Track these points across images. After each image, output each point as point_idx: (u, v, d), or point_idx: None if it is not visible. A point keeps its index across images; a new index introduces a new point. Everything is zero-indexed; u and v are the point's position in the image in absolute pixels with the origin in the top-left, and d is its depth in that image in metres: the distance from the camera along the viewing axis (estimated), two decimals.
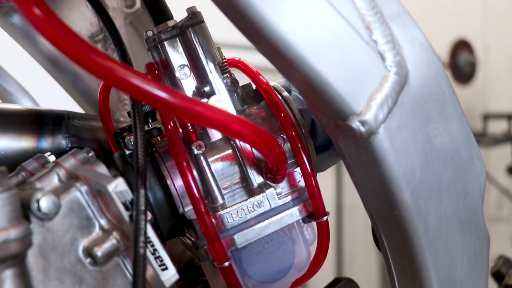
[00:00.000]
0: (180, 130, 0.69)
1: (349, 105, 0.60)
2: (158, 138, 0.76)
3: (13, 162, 0.71)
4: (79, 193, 0.60)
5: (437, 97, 0.66)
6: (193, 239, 0.70)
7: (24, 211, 0.56)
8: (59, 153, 0.76)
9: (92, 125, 0.85)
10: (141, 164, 0.60)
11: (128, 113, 0.82)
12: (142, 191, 0.59)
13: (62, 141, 0.81)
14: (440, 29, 4.10)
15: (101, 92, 0.76)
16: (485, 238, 0.71)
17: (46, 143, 0.80)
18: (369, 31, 0.62)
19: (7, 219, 0.53)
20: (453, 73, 4.30)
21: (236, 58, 0.77)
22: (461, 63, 4.29)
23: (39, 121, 0.81)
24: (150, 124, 0.76)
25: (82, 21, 0.94)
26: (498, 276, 1.36)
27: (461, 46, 4.31)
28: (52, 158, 0.69)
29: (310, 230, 0.73)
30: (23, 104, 1.06)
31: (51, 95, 1.10)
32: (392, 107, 0.61)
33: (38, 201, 0.57)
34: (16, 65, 1.13)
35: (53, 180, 0.62)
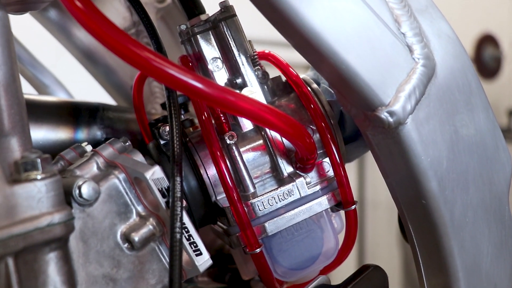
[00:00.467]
0: (213, 121, 0.71)
1: (378, 96, 0.62)
2: (190, 129, 0.78)
3: (51, 152, 0.73)
4: (117, 180, 0.63)
5: (464, 89, 0.67)
6: (225, 226, 0.72)
7: (66, 197, 0.59)
8: (94, 143, 0.79)
9: (125, 117, 0.88)
10: (176, 153, 0.63)
11: (161, 104, 0.84)
12: (178, 179, 0.61)
13: (97, 132, 0.84)
14: (465, 24, 4.07)
15: (135, 84, 0.79)
16: (511, 228, 0.72)
17: (82, 134, 0.83)
18: (397, 24, 0.64)
19: (51, 203, 0.56)
20: (478, 68, 4.27)
21: (267, 51, 0.79)
22: (486, 58, 4.26)
23: (75, 113, 0.84)
24: (183, 116, 0.78)
25: (115, 15, 0.96)
26: None
27: (486, 41, 4.28)
28: (89, 147, 0.71)
29: (338, 219, 0.75)
30: (59, 96, 1.10)
31: (85, 87, 1.13)
32: (419, 98, 0.63)
33: (79, 187, 0.59)
34: (52, 59, 1.16)
35: (92, 168, 0.64)
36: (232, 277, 0.89)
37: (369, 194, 3.71)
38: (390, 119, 0.62)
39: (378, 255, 4.08)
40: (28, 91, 0.95)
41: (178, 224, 0.59)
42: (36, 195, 0.55)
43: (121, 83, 1.03)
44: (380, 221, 3.88)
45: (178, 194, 0.60)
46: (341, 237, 0.76)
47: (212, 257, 0.74)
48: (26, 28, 1.01)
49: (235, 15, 0.72)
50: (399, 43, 0.63)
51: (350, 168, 3.49)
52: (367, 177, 3.69)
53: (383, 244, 4.03)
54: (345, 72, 0.61)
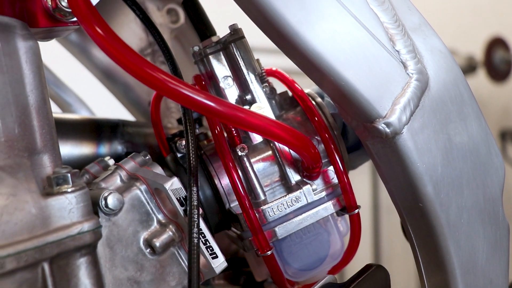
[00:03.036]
0: (225, 134, 0.77)
1: (375, 109, 0.68)
2: (205, 142, 0.84)
3: (75, 166, 0.79)
4: (139, 191, 0.69)
5: (456, 100, 0.72)
6: (238, 232, 0.78)
7: (93, 207, 0.65)
8: (116, 157, 0.85)
9: (143, 131, 0.94)
10: (193, 165, 0.69)
11: (177, 120, 0.90)
12: (194, 189, 0.67)
13: (118, 147, 0.90)
14: (475, 27, 4.10)
15: (153, 102, 0.85)
16: (505, 228, 0.77)
17: (104, 148, 0.90)
18: (392, 43, 0.69)
19: (81, 214, 0.62)
20: (489, 71, 4.29)
21: (273, 69, 0.85)
22: (497, 61, 4.28)
23: (97, 129, 0.90)
24: (197, 130, 0.84)
25: (132, 36, 1.03)
26: None
27: (497, 44, 4.30)
28: (111, 161, 0.77)
29: (344, 223, 0.81)
30: (81, 113, 1.16)
31: (104, 104, 1.19)
32: (414, 110, 0.69)
33: (105, 198, 0.66)
34: (74, 78, 1.22)
35: (116, 181, 0.71)
36: (246, 279, 0.95)
37: (383, 200, 3.76)
38: (387, 130, 0.68)
39: (394, 259, 4.11)
40: (53, 110, 1.01)
41: (195, 230, 0.65)
42: (67, 206, 0.62)
43: (139, 99, 1.09)
44: (394, 225, 3.91)
45: (195, 203, 0.66)
46: (347, 240, 0.81)
47: (227, 261, 0.79)
48: (49, 49, 1.08)
49: (243, 37, 0.79)
50: (394, 60, 0.69)
51: (364, 175, 3.54)
52: (381, 183, 3.72)
53: (398, 248, 4.06)
54: (344, 88, 0.67)
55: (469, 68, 3.94)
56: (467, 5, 4.27)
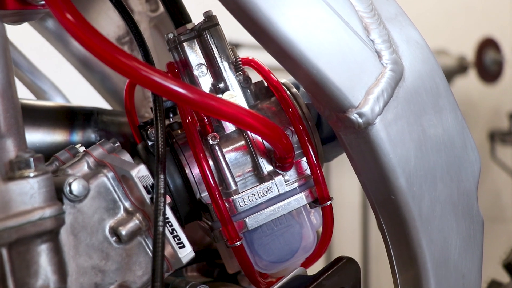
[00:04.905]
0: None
1: (348, 98, 0.66)
2: (179, 131, 0.83)
3: (47, 154, 0.78)
4: (106, 178, 0.68)
5: (432, 91, 0.71)
6: (209, 222, 0.77)
7: (58, 194, 0.64)
8: (88, 145, 0.84)
9: (119, 120, 0.93)
10: (161, 152, 0.68)
11: (151, 108, 0.89)
12: (161, 176, 0.66)
13: (92, 135, 0.89)
14: (466, 28, 4.11)
15: (127, 89, 0.84)
16: (479, 222, 0.76)
17: (77, 136, 0.88)
18: (366, 32, 0.68)
19: (43, 199, 0.61)
20: (479, 72, 4.29)
21: (250, 58, 0.84)
22: (488, 62, 4.29)
23: (71, 117, 0.89)
24: (171, 119, 0.83)
25: (110, 24, 1.01)
26: (509, 267, 1.41)
27: (488, 45, 4.31)
28: (82, 149, 0.76)
29: (317, 215, 0.80)
30: (56, 101, 1.15)
31: (82, 93, 1.18)
32: (387, 101, 0.68)
33: (70, 184, 0.64)
34: (50, 66, 1.21)
35: (83, 167, 0.69)
36: (220, 272, 0.94)
37: None
38: (360, 120, 0.67)
39: (383, 257, 4.11)
40: (27, 97, 1.00)
41: (161, 218, 0.64)
42: (29, 191, 0.60)
43: (116, 88, 1.08)
44: None
45: (162, 191, 0.65)
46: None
47: (201, 252, 0.78)
48: (25, 36, 1.06)
49: (218, 24, 0.77)
50: (368, 49, 0.68)
51: (354, 173, 3.52)
52: None
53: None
54: (316, 77, 0.65)
55: (460, 68, 3.95)
56: (459, 6, 4.28)
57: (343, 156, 0.80)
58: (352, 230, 3.73)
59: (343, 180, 3.26)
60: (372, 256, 4.01)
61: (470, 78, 4.05)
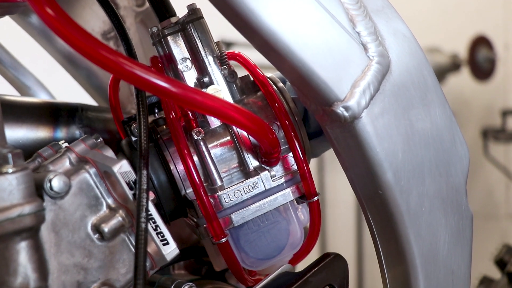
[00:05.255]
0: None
1: (333, 92, 0.65)
2: (164, 127, 0.82)
3: (30, 150, 0.76)
4: (88, 174, 0.66)
5: (419, 85, 0.70)
6: (194, 219, 0.75)
7: (38, 190, 0.63)
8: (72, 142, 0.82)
9: (104, 117, 0.92)
10: (144, 147, 0.66)
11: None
12: (144, 172, 0.65)
13: (76, 131, 0.88)
14: (459, 25, 4.10)
15: (111, 85, 0.82)
16: (468, 217, 0.75)
17: (61, 133, 0.87)
18: (352, 24, 0.67)
19: (22, 196, 0.59)
20: (472, 69, 4.29)
21: (236, 52, 0.83)
22: (480, 60, 4.29)
23: (55, 113, 0.87)
24: (157, 114, 0.82)
25: (95, 19, 1.00)
26: (501, 263, 1.40)
27: (480, 42, 4.31)
28: (65, 145, 0.74)
29: (305, 211, 0.79)
30: (41, 97, 1.13)
31: (67, 89, 1.16)
32: (374, 94, 0.66)
33: (50, 180, 0.63)
34: (34, 62, 1.19)
35: (65, 163, 0.68)
36: (208, 269, 0.92)
37: None
38: (346, 114, 0.65)
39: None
40: (10, 93, 0.98)
41: (143, 214, 0.62)
42: (7, 188, 0.59)
43: (102, 84, 1.06)
44: None
45: (144, 186, 0.64)
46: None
47: (188, 250, 0.77)
48: (8, 31, 1.05)
49: (201, 17, 0.76)
50: (354, 42, 0.67)
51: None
52: None
53: None
54: (301, 70, 0.64)
55: (453, 66, 3.95)
56: (451, 4, 4.28)
57: None
58: (347, 228, 3.72)
59: (337, 177, 3.26)
60: (367, 254, 4.00)
61: (462, 75, 4.05)
